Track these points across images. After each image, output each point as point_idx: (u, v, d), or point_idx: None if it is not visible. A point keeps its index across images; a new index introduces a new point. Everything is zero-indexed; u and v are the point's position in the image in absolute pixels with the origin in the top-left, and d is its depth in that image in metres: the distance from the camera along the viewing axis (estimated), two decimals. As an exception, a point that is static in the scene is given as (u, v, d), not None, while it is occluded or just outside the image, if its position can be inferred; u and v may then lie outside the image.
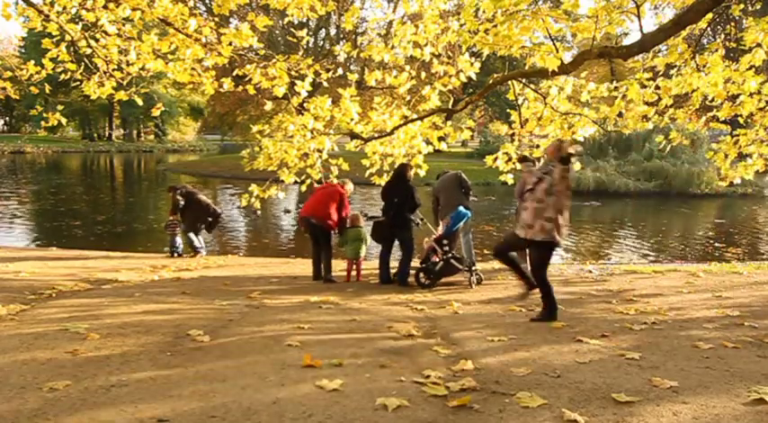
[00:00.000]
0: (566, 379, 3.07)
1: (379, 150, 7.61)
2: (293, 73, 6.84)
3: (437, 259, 6.65)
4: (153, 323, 4.23)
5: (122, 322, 4.24)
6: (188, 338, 3.81)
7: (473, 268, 6.67)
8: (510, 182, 7.96)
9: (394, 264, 7.06)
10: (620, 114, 7.15)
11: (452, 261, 6.59)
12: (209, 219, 9.52)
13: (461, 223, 6.81)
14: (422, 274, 6.60)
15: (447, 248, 6.60)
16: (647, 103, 6.87)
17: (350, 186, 7.42)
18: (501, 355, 3.58)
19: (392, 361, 3.39)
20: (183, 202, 9.31)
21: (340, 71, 7.27)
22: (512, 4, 5.23)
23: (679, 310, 5.20)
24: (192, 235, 9.44)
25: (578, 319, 4.74)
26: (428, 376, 3.07)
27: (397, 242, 6.97)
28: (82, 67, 6.41)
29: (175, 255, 9.43)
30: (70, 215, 16.62)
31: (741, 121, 7.04)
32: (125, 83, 6.66)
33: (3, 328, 4.07)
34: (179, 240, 9.52)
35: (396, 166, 7.23)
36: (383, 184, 7.88)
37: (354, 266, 7.26)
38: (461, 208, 6.73)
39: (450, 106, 7.70)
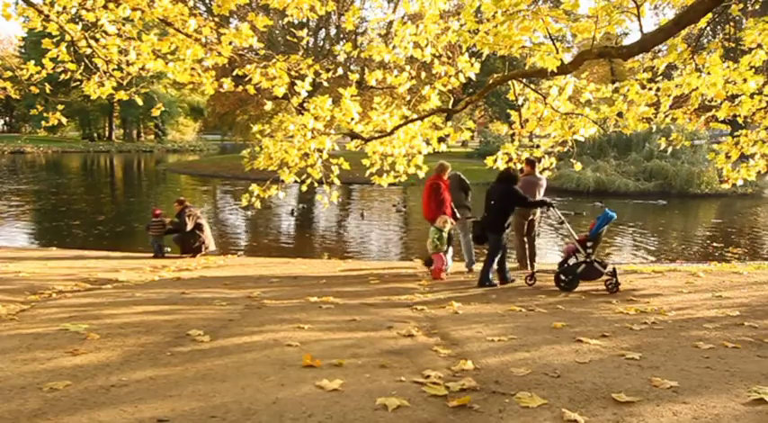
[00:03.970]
0: (566, 379, 3.07)
1: (379, 150, 7.61)
2: (293, 73, 6.83)
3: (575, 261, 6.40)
4: (153, 323, 4.23)
5: (122, 322, 4.24)
6: (188, 338, 3.81)
7: (614, 272, 6.24)
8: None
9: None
10: (619, 114, 7.15)
11: (596, 264, 6.27)
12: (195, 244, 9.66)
13: (606, 226, 6.51)
14: (563, 276, 6.34)
15: (590, 251, 6.30)
16: (647, 105, 6.86)
17: (445, 166, 7.82)
18: (501, 355, 3.58)
19: (392, 361, 3.39)
20: (189, 227, 9.39)
21: (340, 71, 7.27)
22: (512, 4, 5.23)
23: (679, 310, 5.20)
24: (160, 242, 9.63)
25: (578, 319, 4.74)
26: (428, 376, 3.07)
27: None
28: (82, 67, 6.40)
29: (159, 255, 9.48)
30: (70, 215, 16.62)
31: (740, 121, 7.03)
32: (125, 83, 6.65)
33: (3, 328, 4.07)
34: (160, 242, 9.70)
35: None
36: (383, 183, 7.90)
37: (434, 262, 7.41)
38: (608, 211, 6.42)
39: (450, 106, 7.70)
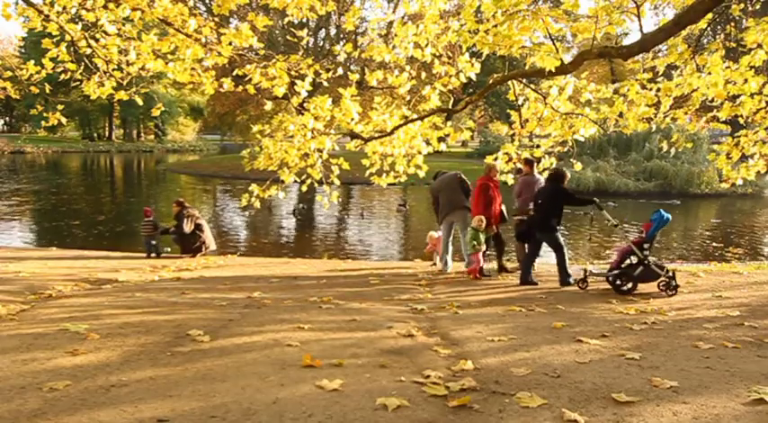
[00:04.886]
0: (566, 379, 3.07)
1: (379, 150, 7.61)
2: (293, 73, 6.83)
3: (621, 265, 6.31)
4: (153, 323, 4.23)
5: (122, 322, 4.23)
6: (188, 338, 3.81)
7: (673, 273, 6.10)
8: (510, 182, 7.97)
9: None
10: (620, 114, 7.15)
11: (653, 267, 6.15)
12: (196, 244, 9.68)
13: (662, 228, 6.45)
14: (619, 280, 6.22)
15: (647, 252, 6.20)
16: (648, 105, 6.86)
17: (494, 165, 7.78)
18: (501, 355, 3.58)
19: (392, 361, 3.39)
20: (187, 230, 9.38)
21: (340, 71, 7.26)
22: (512, 4, 5.23)
23: (679, 310, 5.20)
24: (155, 242, 9.63)
25: (578, 319, 4.74)
26: (428, 376, 3.07)
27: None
28: (82, 67, 6.40)
29: (153, 255, 9.49)
30: (70, 215, 16.63)
31: (741, 121, 7.03)
32: (125, 83, 6.65)
33: (3, 328, 4.07)
34: (154, 241, 9.70)
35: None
36: (383, 183, 7.90)
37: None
38: (663, 211, 6.35)
39: (450, 106, 7.70)
